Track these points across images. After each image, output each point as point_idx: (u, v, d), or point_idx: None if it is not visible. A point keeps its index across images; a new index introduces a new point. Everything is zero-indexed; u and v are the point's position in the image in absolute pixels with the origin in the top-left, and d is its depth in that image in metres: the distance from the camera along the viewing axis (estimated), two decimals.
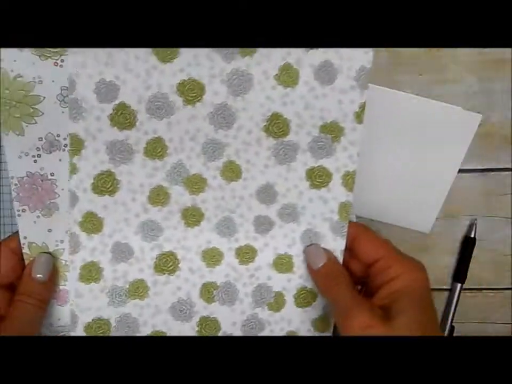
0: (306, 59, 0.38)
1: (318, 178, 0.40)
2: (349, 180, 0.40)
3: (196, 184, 0.39)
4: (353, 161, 0.39)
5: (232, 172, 0.39)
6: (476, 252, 0.47)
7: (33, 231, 0.38)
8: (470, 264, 0.47)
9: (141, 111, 0.37)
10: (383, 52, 0.44)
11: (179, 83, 0.37)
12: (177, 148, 0.38)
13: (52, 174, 0.37)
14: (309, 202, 0.40)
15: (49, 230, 0.38)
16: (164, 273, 0.40)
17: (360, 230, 0.40)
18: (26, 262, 0.38)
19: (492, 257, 0.46)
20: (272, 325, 0.42)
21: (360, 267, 0.40)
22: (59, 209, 0.38)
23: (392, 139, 0.45)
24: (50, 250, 0.38)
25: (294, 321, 0.42)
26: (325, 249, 0.40)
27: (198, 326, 0.41)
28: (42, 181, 0.37)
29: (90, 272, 0.39)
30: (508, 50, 0.44)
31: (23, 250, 0.38)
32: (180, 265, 0.40)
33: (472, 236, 0.47)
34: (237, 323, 0.42)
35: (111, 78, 0.36)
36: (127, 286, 0.40)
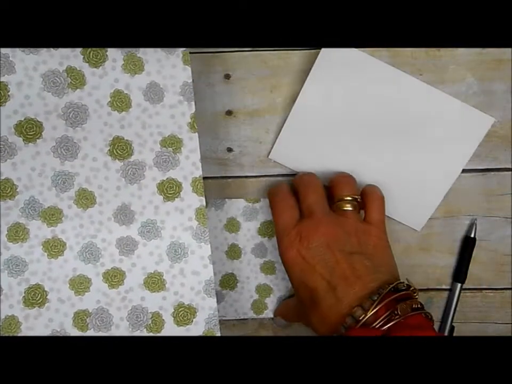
0: (133, 83, 0.41)
1: (169, 190, 0.42)
2: (198, 186, 0.42)
3: (52, 216, 0.41)
4: (197, 167, 0.42)
5: (86, 199, 0.41)
6: (475, 252, 0.47)
7: None
8: (470, 264, 0.47)
9: None
10: (383, 51, 0.44)
11: (16, 124, 0.40)
12: (26, 185, 0.40)
13: None
14: (167, 215, 0.42)
15: None
16: (34, 307, 0.41)
17: None
18: None
19: (492, 257, 0.46)
20: None
21: None
22: None
23: (401, 128, 0.45)
24: None
25: None
26: None
27: None
28: None
29: None
30: (507, 50, 0.44)
31: None
32: (48, 296, 0.41)
33: (472, 235, 0.46)
34: None
35: None
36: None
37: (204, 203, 0.42)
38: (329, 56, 0.44)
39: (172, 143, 0.42)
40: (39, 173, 0.40)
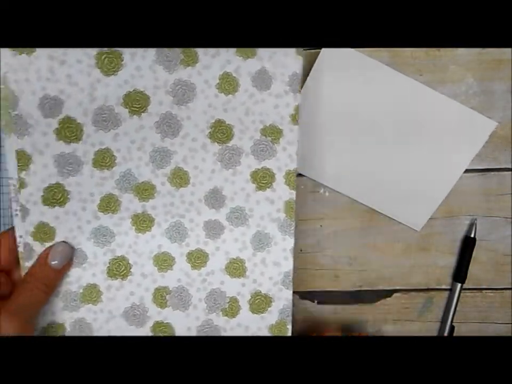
0: (244, 67, 0.40)
1: (262, 179, 0.42)
2: (291, 178, 0.42)
3: (145, 191, 0.40)
4: (293, 160, 0.42)
5: (180, 178, 0.41)
6: (475, 252, 0.47)
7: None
8: (470, 264, 0.47)
9: (87, 124, 0.39)
10: (383, 51, 0.45)
11: (124, 95, 0.39)
12: (125, 157, 0.40)
13: None
14: (256, 204, 0.42)
15: None
16: (117, 278, 0.41)
17: None
18: (21, 260, 0.39)
19: (492, 257, 0.46)
20: (228, 331, 0.43)
21: None
22: None
23: (402, 129, 0.45)
24: None
25: (250, 327, 0.43)
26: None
27: (152, 331, 0.42)
28: None
29: None
30: (507, 50, 0.45)
31: (18, 249, 0.39)
32: (131, 270, 0.41)
33: (472, 235, 0.46)
34: (191, 328, 0.42)
35: (55, 93, 0.38)
36: (81, 291, 0.40)
37: (294, 196, 0.42)
38: (329, 56, 0.44)
39: (272, 133, 0.41)
40: (139, 146, 0.40)
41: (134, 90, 0.39)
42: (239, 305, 0.43)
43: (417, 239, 0.47)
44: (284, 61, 0.40)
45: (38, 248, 0.39)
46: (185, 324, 0.42)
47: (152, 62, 0.39)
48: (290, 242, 0.42)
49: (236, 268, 0.42)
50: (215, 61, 0.40)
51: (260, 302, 0.43)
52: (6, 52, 0.37)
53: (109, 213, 0.40)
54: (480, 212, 0.47)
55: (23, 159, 0.38)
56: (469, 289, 0.48)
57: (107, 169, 0.40)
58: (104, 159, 0.39)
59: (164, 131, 0.40)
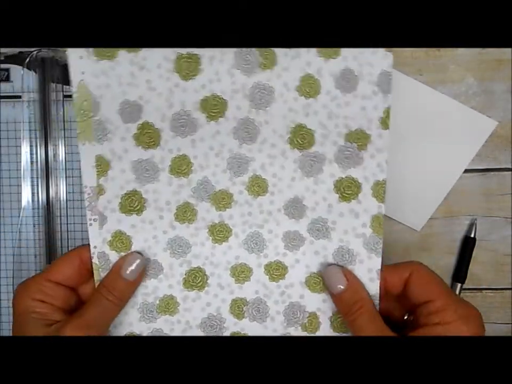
0: (326, 68, 0.37)
1: (347, 189, 0.39)
2: (379, 190, 0.38)
3: (222, 200, 0.39)
4: (382, 169, 0.38)
5: (258, 186, 0.39)
6: (475, 252, 0.46)
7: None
8: (470, 264, 0.46)
9: (165, 130, 0.38)
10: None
11: (202, 100, 0.38)
12: (202, 164, 0.38)
13: None
14: (339, 217, 0.39)
15: None
16: (193, 289, 0.39)
17: (414, 268, 0.38)
18: (95, 271, 0.38)
19: (492, 257, 0.45)
20: None
21: (405, 302, 0.38)
22: None
23: (402, 129, 0.44)
24: None
25: None
26: (346, 271, 0.38)
27: None
28: None
29: None
30: (507, 50, 0.44)
31: (93, 260, 0.38)
32: (208, 281, 0.39)
33: (472, 235, 0.46)
34: None
35: (134, 98, 0.37)
36: (157, 302, 0.39)
37: (383, 211, 0.39)
38: None
39: (358, 138, 0.38)
40: (216, 153, 0.38)
41: (211, 95, 0.38)
42: (319, 321, 0.40)
43: (417, 239, 0.47)
44: (372, 59, 0.37)
45: (114, 258, 0.38)
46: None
47: (230, 66, 0.37)
48: (377, 262, 0.39)
49: (316, 283, 0.39)
50: (295, 62, 0.37)
51: (343, 322, 0.39)
52: (85, 59, 0.37)
53: (185, 222, 0.39)
54: (480, 212, 0.46)
55: (102, 165, 0.38)
56: (469, 289, 0.47)
57: (184, 176, 0.38)
58: (181, 166, 0.38)
59: (242, 137, 0.38)
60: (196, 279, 0.39)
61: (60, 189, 0.45)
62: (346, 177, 0.39)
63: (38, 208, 0.45)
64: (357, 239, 0.39)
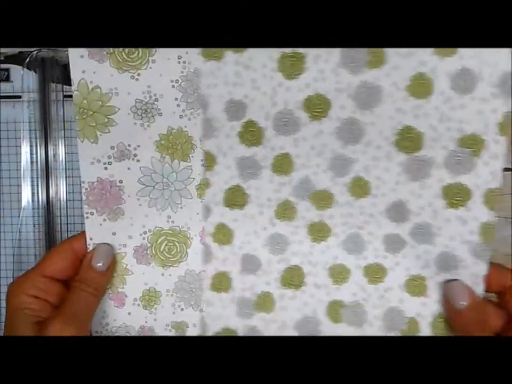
0: (442, 67, 0.35)
1: (455, 196, 0.36)
2: (491, 198, 0.36)
3: (322, 199, 0.39)
4: (496, 177, 0.35)
5: (360, 188, 0.38)
6: None
7: (99, 234, 0.39)
8: None
9: (268, 128, 0.38)
10: None
11: (305, 99, 0.37)
12: (304, 163, 0.38)
13: (121, 181, 0.39)
14: (445, 223, 0.37)
15: (114, 234, 0.40)
16: (290, 287, 0.40)
17: None
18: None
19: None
20: None
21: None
22: (124, 215, 0.39)
23: None
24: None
25: None
26: (470, 290, 0.37)
27: None
28: (111, 187, 0.39)
29: (221, 282, 0.41)
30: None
31: (89, 251, 0.39)
32: (305, 280, 0.40)
33: None
34: None
35: (239, 97, 0.38)
36: (254, 298, 0.41)
37: (494, 219, 0.36)
38: None
39: (472, 144, 0.35)
40: (318, 153, 0.38)
41: (315, 94, 0.37)
42: (419, 327, 0.39)
43: None
44: (492, 58, 0.34)
45: (216, 250, 0.40)
46: None
47: (335, 64, 0.36)
48: (483, 268, 0.37)
49: (416, 286, 0.38)
50: (407, 61, 0.35)
51: (444, 326, 0.38)
52: (85, 58, 0.37)
53: (285, 220, 0.39)
54: None
55: (209, 160, 0.39)
56: None
57: (285, 174, 0.39)
58: (282, 165, 0.38)
59: (345, 137, 0.37)
60: (293, 277, 0.40)
61: (60, 189, 0.45)
62: (455, 183, 0.36)
63: (38, 208, 0.45)
64: (463, 246, 0.37)
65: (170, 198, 0.39)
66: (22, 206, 0.45)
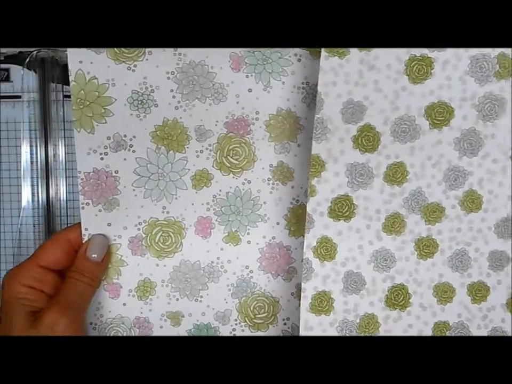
0: None
1: None
2: None
3: (433, 213, 0.37)
4: None
5: (472, 202, 0.37)
6: None
7: (94, 224, 0.37)
8: None
9: (385, 134, 0.35)
10: None
11: (428, 106, 0.35)
12: (417, 173, 0.36)
13: (116, 172, 0.37)
14: None
15: (109, 224, 0.38)
16: (395, 308, 0.37)
17: None
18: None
19: None
20: None
21: None
22: (120, 205, 0.38)
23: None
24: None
25: None
26: None
27: None
28: (106, 177, 0.37)
29: (321, 303, 0.36)
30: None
31: (84, 242, 0.38)
32: (410, 300, 0.37)
33: None
34: None
35: (359, 98, 0.35)
36: (358, 321, 0.37)
37: None
38: None
39: None
40: (434, 163, 0.36)
41: (438, 101, 0.35)
42: None
43: None
44: None
45: (317, 267, 0.36)
46: None
47: (463, 72, 0.35)
48: None
49: None
50: None
51: None
52: (84, 49, 0.36)
53: (392, 234, 0.37)
54: None
55: (317, 165, 0.35)
56: None
57: (397, 185, 0.36)
58: (395, 174, 0.36)
59: (463, 148, 0.36)
60: (398, 297, 0.37)
61: (60, 189, 0.44)
62: None
63: (38, 208, 0.44)
64: None
65: (166, 189, 0.38)
66: (22, 206, 0.44)
